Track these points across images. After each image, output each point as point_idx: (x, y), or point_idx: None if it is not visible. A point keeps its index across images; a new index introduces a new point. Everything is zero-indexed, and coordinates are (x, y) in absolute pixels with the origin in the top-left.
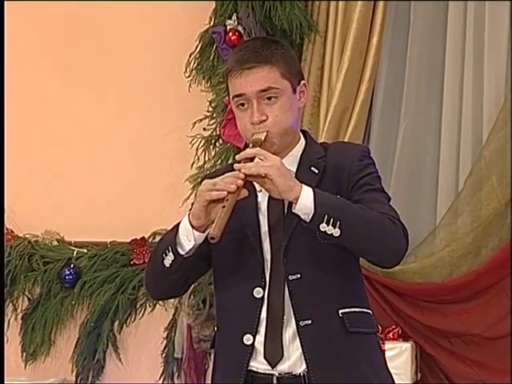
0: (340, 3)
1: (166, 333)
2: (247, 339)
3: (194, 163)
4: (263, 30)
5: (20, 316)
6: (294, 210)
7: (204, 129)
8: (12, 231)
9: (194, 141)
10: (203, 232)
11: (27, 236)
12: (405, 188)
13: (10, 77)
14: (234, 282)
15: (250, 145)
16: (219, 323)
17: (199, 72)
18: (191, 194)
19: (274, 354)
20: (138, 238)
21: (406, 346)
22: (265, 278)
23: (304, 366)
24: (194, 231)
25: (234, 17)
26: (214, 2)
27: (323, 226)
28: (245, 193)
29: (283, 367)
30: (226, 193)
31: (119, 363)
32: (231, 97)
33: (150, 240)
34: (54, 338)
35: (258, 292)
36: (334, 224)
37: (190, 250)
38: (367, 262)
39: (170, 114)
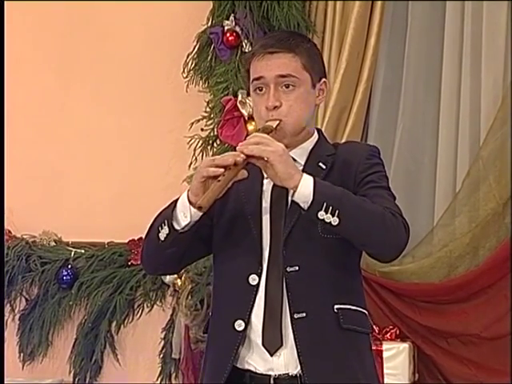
0: (338, 4)
1: (164, 333)
2: (238, 325)
3: (191, 164)
4: (261, 30)
5: (18, 316)
6: (293, 198)
7: (202, 129)
8: (10, 232)
9: (191, 141)
10: (200, 210)
11: (25, 236)
12: (402, 188)
13: (10, 77)
14: (232, 268)
15: (260, 130)
16: (213, 308)
17: (197, 72)
18: None
19: (273, 342)
20: (136, 238)
21: (404, 346)
22: (262, 265)
23: (299, 367)
24: (191, 207)
25: (232, 17)
26: (211, 3)
27: (321, 214)
28: (244, 174)
29: (279, 361)
30: (222, 170)
31: (117, 364)
32: (250, 81)
33: None
34: (51, 339)
35: (253, 279)
36: (332, 212)
37: (186, 225)
38: (366, 255)
39: (168, 115)
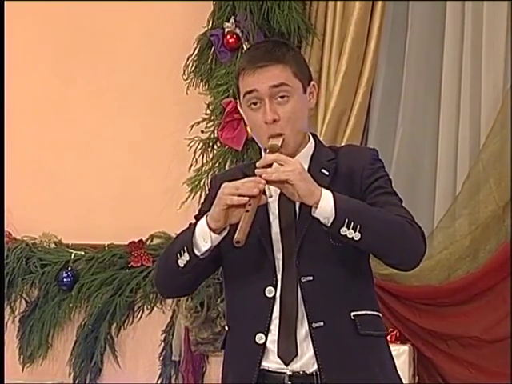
0: (338, 6)
1: (164, 335)
2: (259, 338)
3: (191, 166)
4: (261, 32)
5: (17, 318)
6: (314, 214)
7: (202, 131)
8: (10, 234)
9: (191, 143)
10: (219, 234)
11: (25, 238)
12: (402, 191)
13: (10, 78)
14: (246, 281)
15: (267, 151)
16: (230, 323)
17: (197, 75)
18: (189, 196)
19: (288, 352)
20: (136, 240)
21: (404, 348)
22: (276, 277)
23: (315, 367)
24: (212, 233)
25: (232, 19)
26: (212, 5)
27: (344, 230)
28: (264, 200)
29: (296, 366)
30: (247, 199)
31: (117, 366)
32: (242, 95)
33: (147, 243)
34: (51, 341)
35: (269, 291)
36: (354, 228)
37: (206, 251)
38: (386, 265)
39: (168, 117)
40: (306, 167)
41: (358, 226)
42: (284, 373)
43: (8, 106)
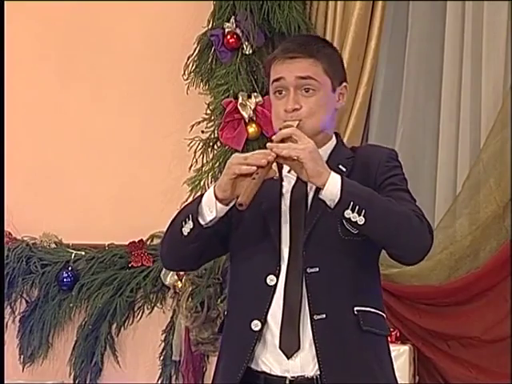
0: (338, 6)
1: (164, 335)
2: (255, 325)
3: (192, 166)
4: (261, 32)
5: (18, 318)
6: (320, 196)
7: (202, 131)
8: (10, 234)
9: (192, 143)
10: (226, 205)
11: (25, 238)
12: None
13: (10, 78)
14: (249, 267)
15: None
16: (229, 308)
17: (197, 74)
18: (189, 196)
19: (290, 345)
20: (136, 240)
21: (404, 348)
22: (280, 266)
23: (316, 368)
24: (218, 203)
25: (233, 19)
26: (212, 5)
27: (348, 213)
28: (273, 172)
29: (295, 363)
30: (255, 168)
31: (117, 366)
32: (270, 83)
33: (147, 243)
34: (51, 341)
35: (271, 279)
36: (359, 212)
37: (211, 221)
38: (389, 257)
39: (168, 117)
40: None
41: (363, 211)
42: (285, 377)
43: (8, 106)
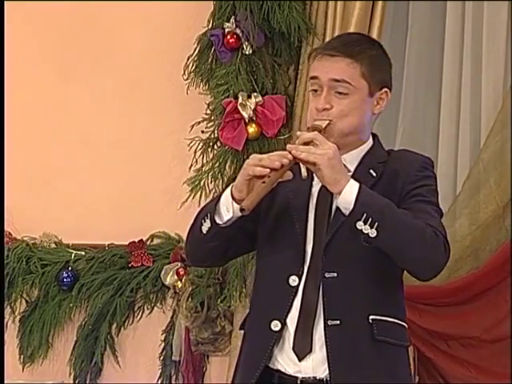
0: (338, 6)
1: (164, 335)
2: (275, 325)
3: (192, 166)
4: (261, 32)
5: (18, 318)
6: (336, 203)
7: (202, 131)
8: (10, 234)
9: (192, 143)
10: None
11: (25, 238)
12: None
13: (10, 78)
14: (273, 265)
15: (309, 129)
16: (251, 305)
17: (197, 74)
18: (189, 196)
19: (303, 347)
20: (136, 240)
21: None
22: (303, 267)
23: (327, 371)
24: (234, 203)
25: (233, 19)
26: (212, 5)
27: (360, 224)
28: (289, 175)
29: (307, 364)
30: (268, 170)
31: (117, 366)
32: (309, 77)
33: (148, 243)
34: (51, 341)
35: (293, 280)
36: (371, 224)
37: (228, 220)
38: (405, 271)
39: (168, 117)
40: (355, 165)
41: (376, 223)
42: (297, 377)
43: (8, 106)
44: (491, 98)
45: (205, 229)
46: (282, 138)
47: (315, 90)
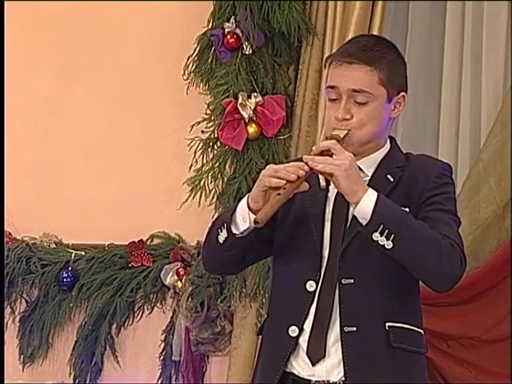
0: (338, 6)
1: (164, 335)
2: (293, 331)
3: (192, 166)
4: (261, 32)
5: (18, 318)
6: (353, 212)
7: (202, 131)
8: (10, 234)
9: (192, 143)
10: None
11: (25, 238)
12: None
13: (10, 78)
14: (290, 271)
15: (327, 138)
16: (269, 310)
17: (197, 74)
18: (189, 196)
19: (317, 352)
20: (136, 240)
21: None
22: (320, 272)
23: (341, 375)
24: (251, 213)
25: (232, 19)
26: (212, 5)
27: (376, 236)
28: (305, 186)
29: (321, 368)
30: (284, 182)
31: (117, 366)
32: (325, 85)
33: (147, 243)
34: (51, 341)
35: (310, 285)
36: (387, 236)
37: (245, 230)
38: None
39: (168, 117)
40: (373, 170)
41: (392, 235)
42: (309, 380)
43: (8, 106)
44: (491, 98)
45: (221, 239)
46: (281, 137)
47: (334, 100)
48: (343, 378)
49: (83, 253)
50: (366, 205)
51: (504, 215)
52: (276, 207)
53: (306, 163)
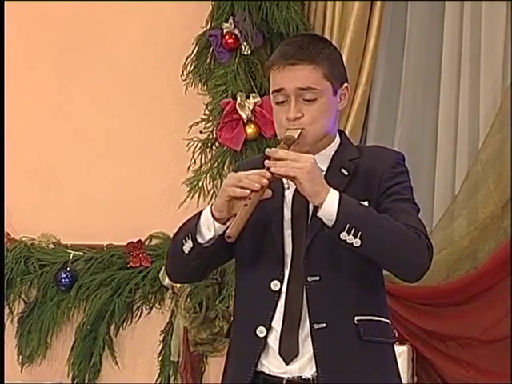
0: (337, 6)
1: (163, 336)
2: (260, 331)
3: (190, 166)
4: (260, 33)
5: (16, 319)
6: (317, 214)
7: (200, 132)
8: (8, 234)
9: (190, 144)
10: (224, 224)
11: (24, 239)
12: None
13: (9, 78)
14: (253, 272)
15: (282, 142)
16: (235, 313)
17: (196, 75)
18: (187, 197)
19: (289, 351)
20: (135, 240)
21: (403, 349)
22: (283, 271)
23: (314, 370)
24: (215, 222)
25: (231, 20)
26: (210, 5)
27: (344, 235)
28: (268, 193)
29: (295, 367)
30: (248, 192)
31: (115, 366)
32: (271, 91)
33: (146, 243)
34: (50, 341)
35: (275, 285)
36: (355, 234)
37: (210, 239)
38: (391, 274)
39: (167, 117)
40: (327, 166)
41: (359, 233)
42: (282, 378)
43: (8, 106)
44: (489, 98)
45: (187, 249)
46: None
47: (282, 102)
48: (316, 374)
49: (82, 253)
50: (329, 206)
51: (502, 216)
52: (245, 219)
53: (268, 168)
